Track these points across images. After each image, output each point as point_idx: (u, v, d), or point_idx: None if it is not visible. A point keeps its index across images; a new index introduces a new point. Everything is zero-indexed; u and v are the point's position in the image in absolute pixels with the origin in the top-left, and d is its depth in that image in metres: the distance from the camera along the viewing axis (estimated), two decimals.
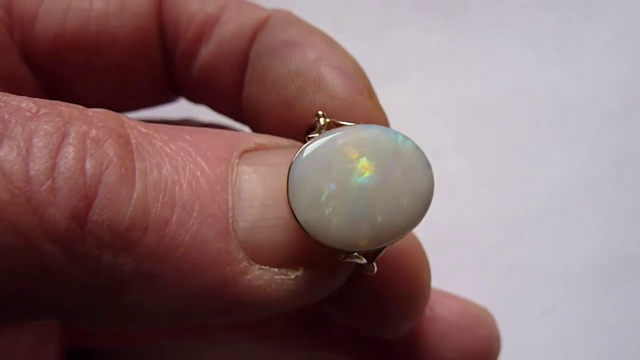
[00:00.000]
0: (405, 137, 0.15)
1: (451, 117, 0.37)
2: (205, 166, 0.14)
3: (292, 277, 0.15)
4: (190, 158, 0.14)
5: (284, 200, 0.15)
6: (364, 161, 0.15)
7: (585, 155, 0.36)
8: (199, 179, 0.14)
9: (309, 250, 0.15)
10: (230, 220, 0.14)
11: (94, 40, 0.20)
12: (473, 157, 0.36)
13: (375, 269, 0.15)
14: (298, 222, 0.14)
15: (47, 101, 0.14)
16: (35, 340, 0.20)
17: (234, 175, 0.15)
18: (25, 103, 0.13)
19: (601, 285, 0.33)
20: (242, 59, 0.20)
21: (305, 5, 0.38)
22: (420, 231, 0.18)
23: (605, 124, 0.37)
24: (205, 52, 0.20)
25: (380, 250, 0.16)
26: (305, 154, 0.15)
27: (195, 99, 0.23)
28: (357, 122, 0.16)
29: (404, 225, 0.15)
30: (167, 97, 0.23)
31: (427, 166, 0.15)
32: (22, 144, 0.12)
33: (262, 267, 0.14)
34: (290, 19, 0.20)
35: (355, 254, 0.15)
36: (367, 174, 0.15)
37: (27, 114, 0.13)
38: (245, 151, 0.15)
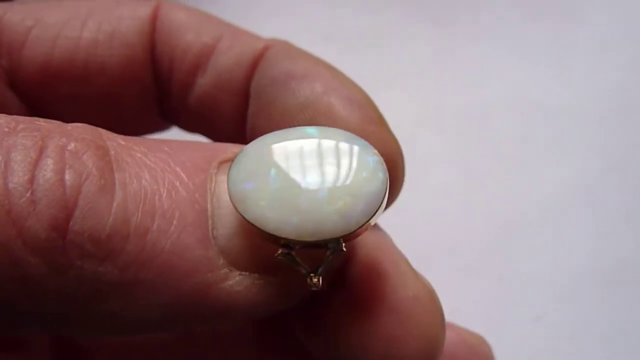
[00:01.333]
0: (356, 137, 0.15)
1: (442, 125, 0.37)
2: (184, 176, 0.15)
3: (273, 281, 0.15)
4: (169, 168, 0.15)
5: None
6: (300, 154, 0.14)
7: (577, 163, 0.36)
8: (178, 188, 0.14)
9: None
10: (210, 227, 0.14)
11: (82, 69, 0.20)
12: (465, 165, 0.36)
13: (320, 283, 0.15)
14: (230, 195, 0.14)
15: (26, 117, 0.14)
16: None
17: (213, 185, 0.15)
18: (4, 120, 0.14)
19: (593, 292, 0.33)
20: (241, 90, 0.20)
21: (297, 15, 0.39)
22: (412, 238, 0.17)
23: (597, 131, 0.37)
24: (203, 83, 0.20)
25: (325, 261, 0.15)
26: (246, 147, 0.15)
27: (190, 128, 0.23)
28: None
29: (336, 223, 0.14)
30: (158, 126, 0.23)
31: (377, 169, 0.15)
32: (0, 158, 0.13)
33: (243, 273, 0.14)
34: (291, 50, 0.20)
35: (293, 253, 0.14)
36: (306, 167, 0.14)
37: (5, 129, 0.13)
38: (224, 161, 0.16)
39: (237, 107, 0.20)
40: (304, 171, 0.14)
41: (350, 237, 0.14)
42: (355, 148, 0.15)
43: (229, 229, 0.15)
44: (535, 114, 0.38)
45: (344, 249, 0.15)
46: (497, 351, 0.22)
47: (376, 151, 0.15)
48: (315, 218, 0.14)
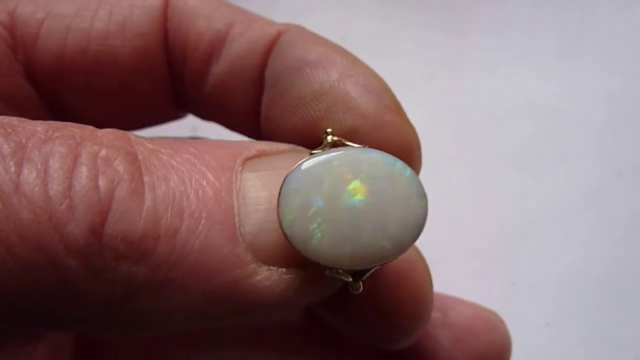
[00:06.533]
0: (404, 165, 0.16)
1: (452, 130, 0.37)
2: (210, 175, 0.15)
3: (300, 276, 0.15)
4: (196, 169, 0.15)
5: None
6: (356, 183, 0.15)
7: (585, 169, 0.36)
8: (204, 187, 0.15)
9: None
10: (237, 225, 0.15)
11: (94, 60, 0.20)
12: (475, 170, 0.36)
13: (361, 288, 0.16)
14: (284, 233, 0.15)
15: (60, 123, 0.14)
16: (50, 350, 0.21)
17: (238, 182, 0.15)
18: (41, 127, 0.14)
19: (604, 297, 0.33)
20: (256, 77, 0.20)
21: (313, 16, 0.38)
22: (423, 243, 0.18)
23: (605, 137, 0.37)
24: (217, 71, 0.20)
25: (366, 270, 0.16)
26: (300, 168, 0.15)
27: (205, 116, 0.22)
28: (381, 140, 0.17)
29: (389, 250, 0.15)
30: (173, 115, 0.23)
31: (422, 196, 0.15)
32: (39, 166, 0.13)
33: (270, 267, 0.15)
34: (305, 35, 0.19)
35: (341, 271, 0.15)
36: (357, 196, 0.15)
37: (42, 137, 0.14)
38: (248, 158, 0.16)
39: (251, 95, 0.20)
40: (353, 201, 0.15)
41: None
42: (400, 172, 0.15)
43: (255, 226, 0.15)
44: (545, 119, 0.38)
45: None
46: None
47: (411, 169, 0.16)
48: (368, 249, 0.15)
